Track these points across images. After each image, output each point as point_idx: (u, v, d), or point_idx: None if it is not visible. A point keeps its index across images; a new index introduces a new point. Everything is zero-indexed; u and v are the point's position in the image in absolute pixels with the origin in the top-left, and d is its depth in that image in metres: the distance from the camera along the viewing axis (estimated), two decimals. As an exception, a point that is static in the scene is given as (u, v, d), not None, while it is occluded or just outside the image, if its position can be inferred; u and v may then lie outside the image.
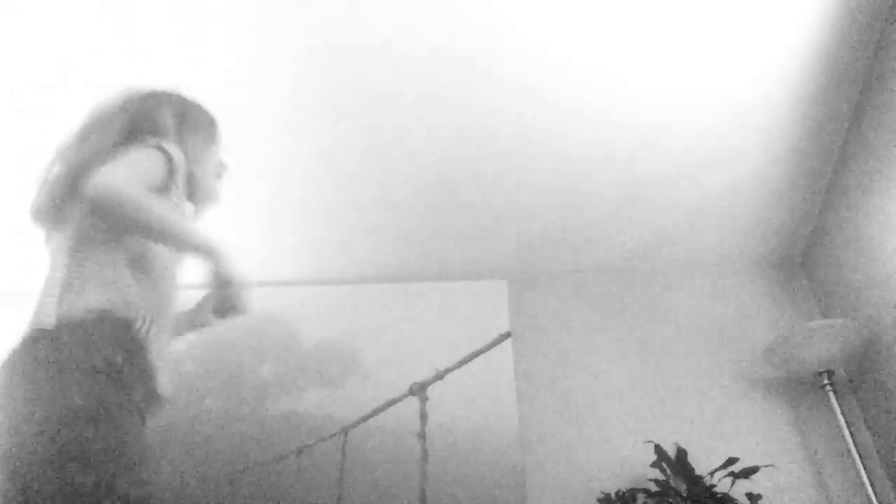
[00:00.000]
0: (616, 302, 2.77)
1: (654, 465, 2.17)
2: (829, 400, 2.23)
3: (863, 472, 2.07)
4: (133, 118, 1.32)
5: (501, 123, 2.33)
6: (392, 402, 2.51)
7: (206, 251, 1.16)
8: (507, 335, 2.65)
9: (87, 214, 1.19)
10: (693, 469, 2.13)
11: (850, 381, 2.43)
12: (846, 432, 2.13)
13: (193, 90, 2.23)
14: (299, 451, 2.43)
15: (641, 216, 2.64)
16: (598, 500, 2.10)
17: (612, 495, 2.15)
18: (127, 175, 1.08)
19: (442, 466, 2.35)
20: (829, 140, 2.37)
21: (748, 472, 2.05)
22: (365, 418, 2.48)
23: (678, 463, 2.15)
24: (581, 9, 2.03)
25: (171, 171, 1.24)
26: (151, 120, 1.33)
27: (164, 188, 1.24)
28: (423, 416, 2.46)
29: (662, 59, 2.15)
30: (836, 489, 2.22)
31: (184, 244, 1.14)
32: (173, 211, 1.13)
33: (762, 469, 2.23)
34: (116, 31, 2.08)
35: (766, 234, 2.69)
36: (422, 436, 2.42)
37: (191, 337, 2.73)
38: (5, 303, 2.98)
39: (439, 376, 2.56)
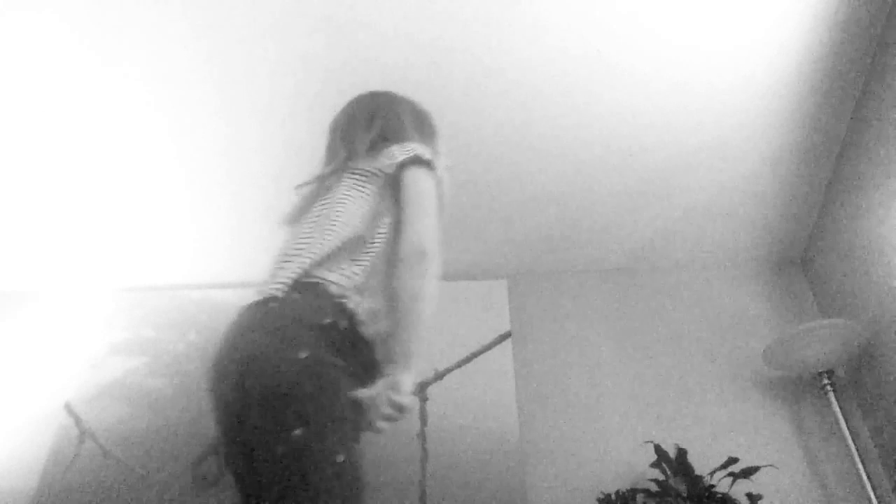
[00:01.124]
0: (616, 302, 2.77)
1: (654, 465, 2.16)
2: (829, 400, 2.23)
3: (863, 472, 2.07)
4: (386, 123, 1.46)
5: (501, 124, 2.33)
6: (392, 402, 2.51)
7: (408, 363, 1.12)
8: (507, 335, 2.65)
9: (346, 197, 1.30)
10: (693, 469, 2.13)
11: (851, 381, 2.43)
12: (846, 432, 2.13)
13: (194, 91, 2.23)
14: (299, 451, 2.42)
15: (641, 217, 2.64)
16: (598, 500, 2.10)
17: (612, 495, 2.15)
18: (435, 236, 1.22)
19: (442, 466, 2.34)
20: (829, 140, 2.37)
21: (748, 472, 2.05)
22: (365, 418, 2.48)
23: (678, 463, 2.15)
24: (579, 11, 2.03)
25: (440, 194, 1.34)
26: (397, 127, 1.46)
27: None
28: (423, 416, 2.46)
29: (662, 59, 2.15)
30: (836, 489, 2.22)
31: (409, 343, 1.13)
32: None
33: (762, 469, 2.23)
34: (116, 31, 2.08)
35: (766, 234, 2.68)
36: (422, 436, 2.42)
37: (195, 340, 2.73)
38: (5, 303, 2.98)
39: (439, 376, 2.56)
